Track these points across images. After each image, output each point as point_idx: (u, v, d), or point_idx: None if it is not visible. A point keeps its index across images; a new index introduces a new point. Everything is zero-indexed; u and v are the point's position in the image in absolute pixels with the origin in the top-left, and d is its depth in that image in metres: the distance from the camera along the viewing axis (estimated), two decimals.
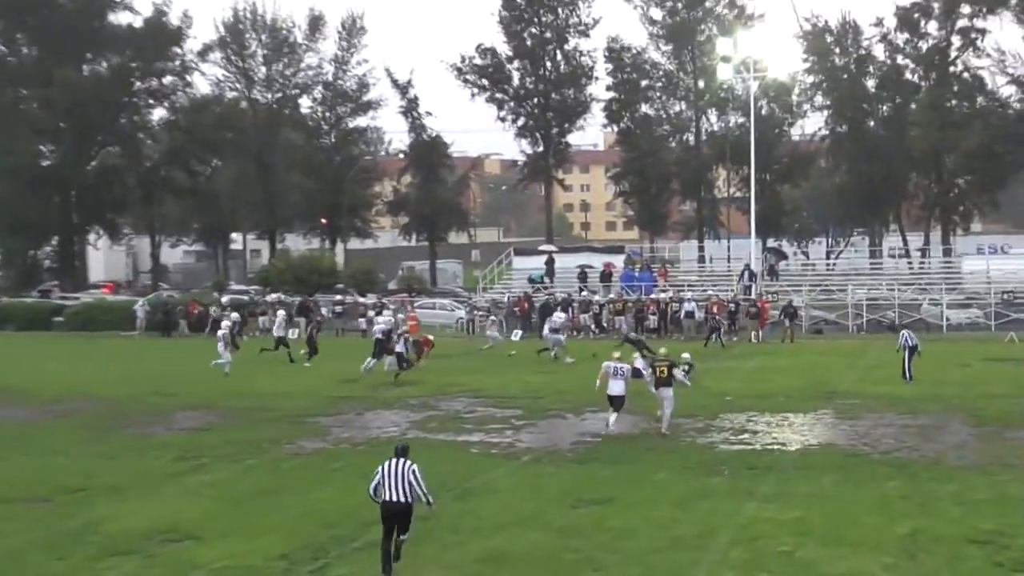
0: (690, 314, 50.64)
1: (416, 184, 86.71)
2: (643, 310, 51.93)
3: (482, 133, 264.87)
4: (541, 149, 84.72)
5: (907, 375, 33.30)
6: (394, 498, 14.51)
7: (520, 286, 60.72)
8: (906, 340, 34.08)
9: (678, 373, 24.97)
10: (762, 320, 49.48)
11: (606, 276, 58.53)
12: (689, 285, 57.45)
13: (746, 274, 56.10)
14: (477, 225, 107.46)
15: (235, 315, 46.90)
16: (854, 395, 30.66)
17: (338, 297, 60.00)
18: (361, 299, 60.94)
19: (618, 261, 61.44)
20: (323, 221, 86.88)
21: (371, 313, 55.61)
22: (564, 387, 33.09)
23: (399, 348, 36.79)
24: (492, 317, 49.15)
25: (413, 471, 14.60)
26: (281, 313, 46.85)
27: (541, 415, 28.30)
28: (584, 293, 56.03)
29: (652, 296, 53.74)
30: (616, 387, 24.60)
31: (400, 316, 49.06)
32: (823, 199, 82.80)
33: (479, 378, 35.87)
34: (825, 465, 21.14)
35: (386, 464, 14.78)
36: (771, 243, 74.34)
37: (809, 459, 21.87)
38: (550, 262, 61.12)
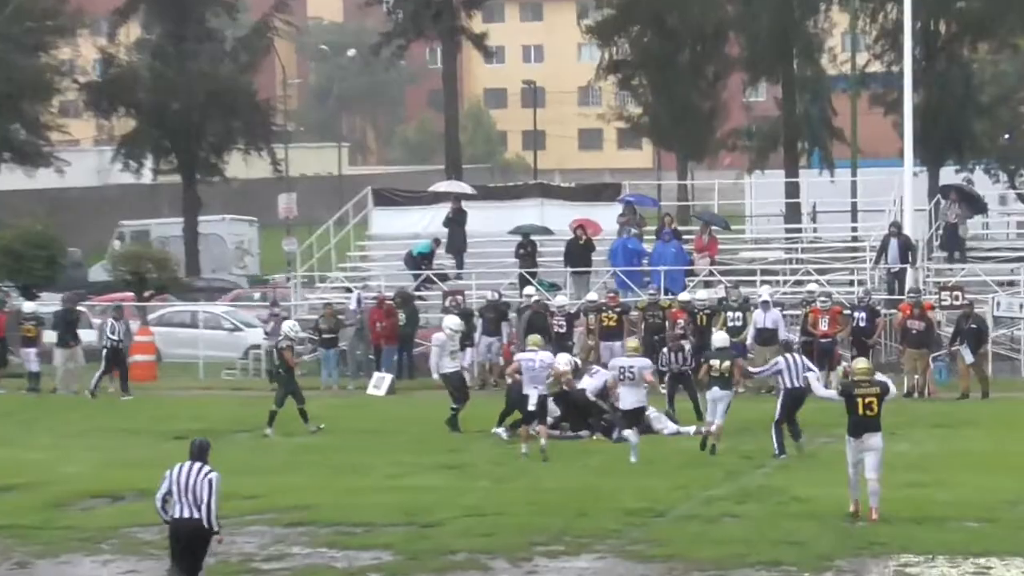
0: (768, 334, 50.58)
1: (151, 45, 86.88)
2: (661, 327, 51.89)
3: None
4: None
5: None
6: (186, 514, 22.59)
7: (390, 273, 60.95)
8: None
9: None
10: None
11: (579, 251, 58.53)
12: (766, 270, 57.94)
13: (893, 245, 56.25)
14: (292, 139, 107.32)
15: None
16: None
17: None
18: (27, 304, 60.48)
19: (605, 217, 61.43)
20: None
21: (48, 338, 55.40)
22: (484, 499, 33.29)
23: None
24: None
25: (209, 480, 22.63)
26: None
27: (433, 565, 28.39)
28: (531, 291, 55.68)
29: (682, 297, 53.63)
30: (631, 397, 35.34)
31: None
32: None
33: (299, 480, 36.01)
34: None
35: (177, 468, 22.90)
36: (950, 176, 74.89)
37: None
38: (456, 220, 61.07)
